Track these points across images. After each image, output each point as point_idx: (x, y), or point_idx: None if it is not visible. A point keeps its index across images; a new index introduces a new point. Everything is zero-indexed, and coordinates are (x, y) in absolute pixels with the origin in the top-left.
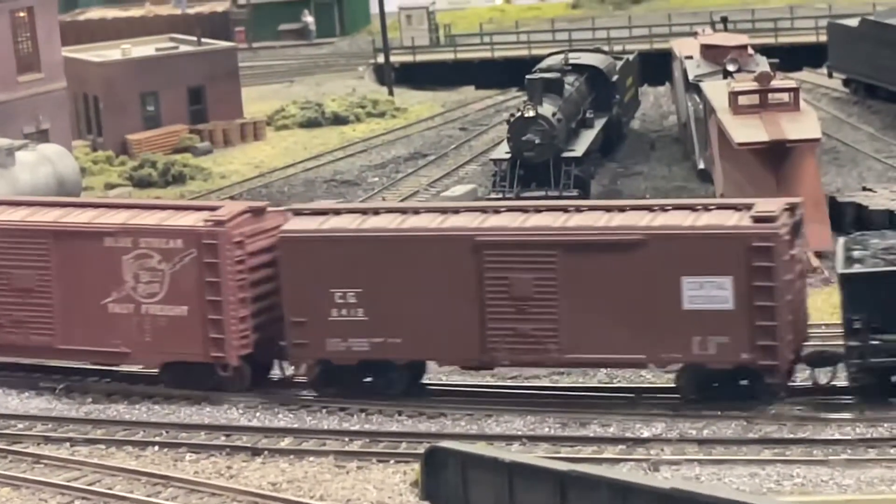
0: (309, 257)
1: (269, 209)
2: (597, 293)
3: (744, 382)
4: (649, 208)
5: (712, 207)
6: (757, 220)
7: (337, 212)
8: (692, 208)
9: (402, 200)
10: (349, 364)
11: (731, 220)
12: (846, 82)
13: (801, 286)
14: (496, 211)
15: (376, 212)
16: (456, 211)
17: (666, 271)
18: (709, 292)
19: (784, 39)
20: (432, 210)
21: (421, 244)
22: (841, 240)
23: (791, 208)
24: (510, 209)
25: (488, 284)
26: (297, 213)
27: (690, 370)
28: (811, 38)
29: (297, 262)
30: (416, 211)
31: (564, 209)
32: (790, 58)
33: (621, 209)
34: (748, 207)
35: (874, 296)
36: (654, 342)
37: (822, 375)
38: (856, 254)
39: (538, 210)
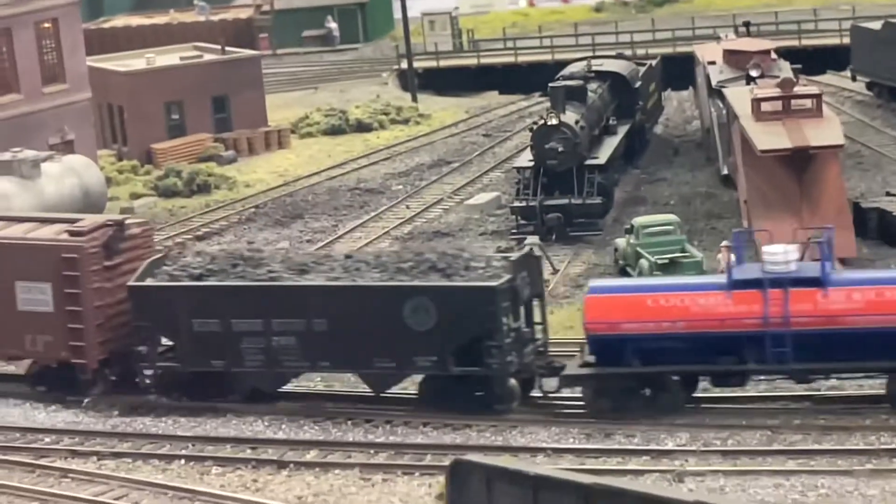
0: None
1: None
2: None
3: None
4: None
5: (51, 221)
6: (70, 234)
7: None
8: (38, 220)
9: (424, 209)
10: None
11: (52, 232)
12: (870, 86)
13: (119, 294)
14: None
15: None
16: None
17: (4, 276)
18: (35, 296)
19: (808, 42)
20: None
21: None
22: None
23: (116, 224)
24: None
25: None
26: None
27: None
28: (835, 41)
29: None
30: None
31: None
32: (814, 61)
33: None
34: (73, 222)
35: None
36: None
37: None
38: None
39: None
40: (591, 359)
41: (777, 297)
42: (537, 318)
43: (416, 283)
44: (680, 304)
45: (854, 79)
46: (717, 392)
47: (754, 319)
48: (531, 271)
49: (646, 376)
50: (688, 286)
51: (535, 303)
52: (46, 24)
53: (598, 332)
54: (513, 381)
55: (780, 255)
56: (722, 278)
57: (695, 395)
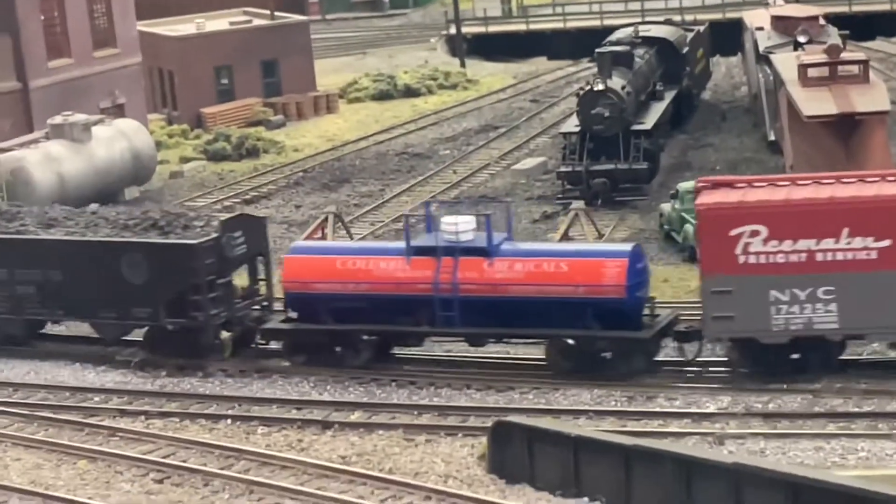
0: None
1: None
2: None
3: None
4: None
5: None
6: None
7: None
8: None
9: (471, 173)
10: None
11: None
12: None
13: None
14: None
15: None
16: None
17: None
18: None
19: (858, 8)
20: None
21: None
22: None
23: None
24: None
25: None
26: None
27: None
28: (885, 7)
29: None
30: None
31: None
32: (864, 27)
33: None
34: None
35: None
36: None
37: None
38: None
39: None
40: (294, 315)
41: (448, 265)
42: (262, 275)
43: (130, 238)
44: (364, 268)
45: None
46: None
47: (426, 284)
48: (250, 232)
49: (336, 333)
50: (373, 250)
51: (260, 260)
52: None
53: (293, 291)
54: (225, 334)
55: (454, 225)
56: (403, 245)
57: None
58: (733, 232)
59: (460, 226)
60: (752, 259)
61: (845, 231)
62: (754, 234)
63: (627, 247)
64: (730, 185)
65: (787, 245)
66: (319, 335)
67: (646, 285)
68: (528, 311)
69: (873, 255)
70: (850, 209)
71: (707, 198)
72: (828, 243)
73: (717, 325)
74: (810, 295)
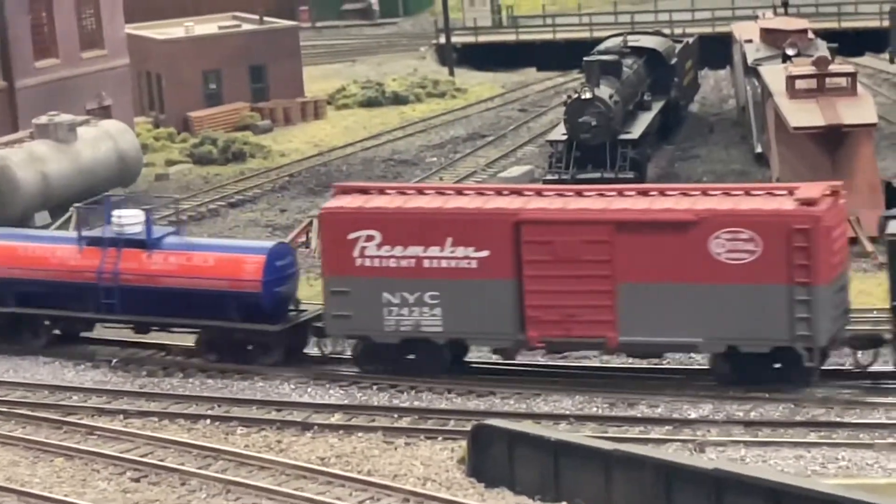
0: None
1: None
2: None
3: None
4: None
5: None
6: None
7: None
8: None
9: (458, 181)
10: None
11: None
12: None
13: None
14: None
15: None
16: None
17: None
18: None
19: (847, 24)
20: None
21: None
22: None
23: None
24: None
25: None
26: None
27: None
28: (875, 24)
29: None
30: None
31: None
32: (853, 43)
33: None
34: None
35: None
36: None
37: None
38: None
39: None
40: None
41: (112, 256)
42: None
43: None
44: (42, 255)
45: (892, 61)
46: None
47: (92, 273)
48: None
49: (19, 317)
50: (52, 239)
51: None
52: None
53: None
54: None
55: (122, 218)
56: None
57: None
58: (351, 235)
59: (126, 219)
60: (367, 262)
61: (449, 240)
62: (370, 238)
63: (268, 244)
64: (363, 191)
65: (398, 251)
66: (3, 318)
67: (289, 282)
68: (181, 302)
69: (474, 264)
70: (455, 220)
71: (332, 202)
72: (434, 251)
73: (336, 323)
74: (418, 299)
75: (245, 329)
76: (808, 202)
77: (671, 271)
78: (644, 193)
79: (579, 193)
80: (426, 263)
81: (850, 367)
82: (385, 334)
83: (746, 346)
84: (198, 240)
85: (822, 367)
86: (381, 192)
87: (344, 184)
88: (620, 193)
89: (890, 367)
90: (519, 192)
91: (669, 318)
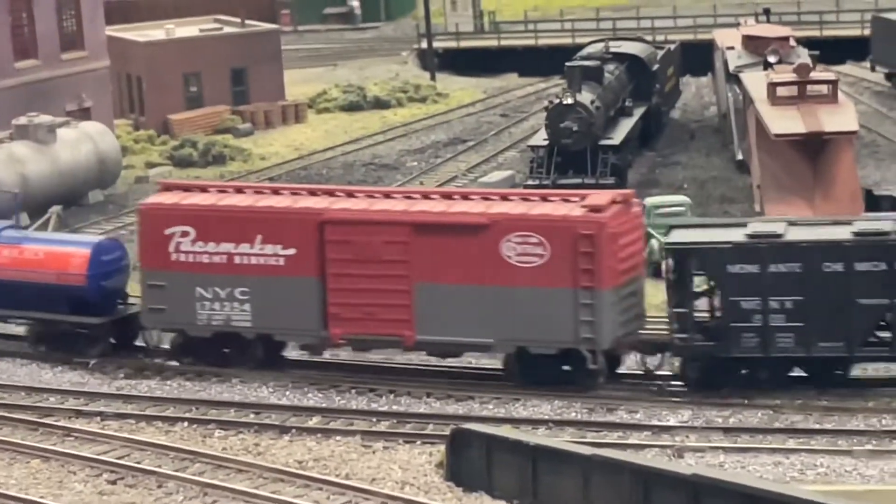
0: None
1: None
2: None
3: None
4: None
5: None
6: None
7: None
8: None
9: (438, 185)
10: None
11: None
12: (889, 76)
13: None
14: None
15: None
16: None
17: None
18: None
19: (829, 32)
20: None
21: None
22: None
23: None
24: None
25: None
26: None
27: None
28: (856, 32)
29: None
30: None
31: None
32: (834, 51)
33: None
34: None
35: None
36: None
37: None
38: None
39: None
40: None
41: None
42: None
43: None
44: None
45: (873, 69)
46: None
47: None
48: None
49: None
50: None
51: None
52: None
53: None
54: None
55: None
56: None
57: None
58: (168, 231)
59: None
60: (182, 257)
61: (259, 238)
62: (185, 234)
63: (95, 239)
64: (186, 189)
65: (211, 247)
66: None
67: (117, 276)
68: (14, 294)
69: (281, 261)
70: (264, 218)
71: (151, 199)
72: (244, 248)
73: (151, 316)
74: (229, 294)
75: (70, 321)
76: (595, 209)
77: (465, 273)
78: (448, 197)
79: (387, 196)
80: (237, 260)
81: (639, 370)
82: (198, 328)
83: (535, 347)
84: (32, 233)
85: (619, 371)
86: (203, 189)
87: (168, 181)
88: (425, 196)
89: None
90: (331, 193)
91: (464, 318)
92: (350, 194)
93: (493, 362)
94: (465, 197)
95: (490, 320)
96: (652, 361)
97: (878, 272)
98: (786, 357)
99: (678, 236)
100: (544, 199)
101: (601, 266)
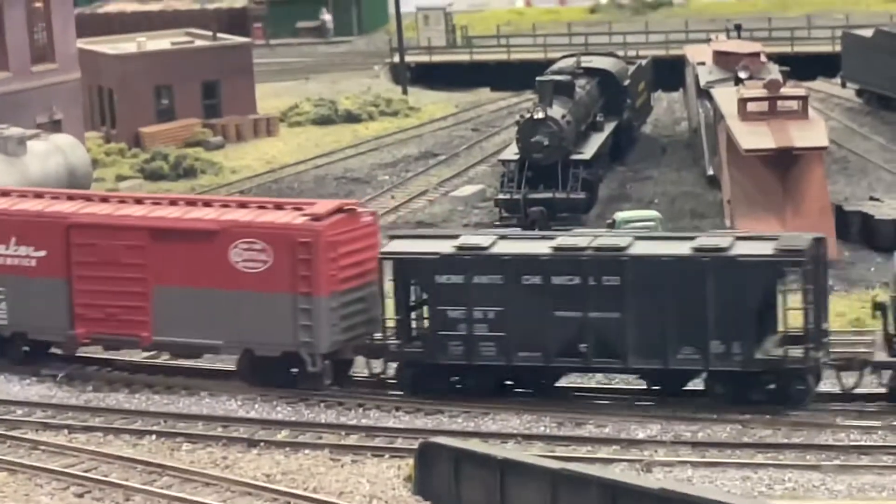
0: None
1: None
2: None
3: None
4: None
5: None
6: None
7: None
8: None
9: (409, 199)
10: None
11: None
12: (859, 92)
13: None
14: None
15: None
16: None
17: None
18: None
19: (800, 48)
20: None
21: None
22: None
23: None
24: None
25: None
26: None
27: None
28: (827, 48)
29: None
30: None
31: None
32: (805, 67)
33: None
34: None
35: None
36: None
37: None
38: None
39: None
40: None
41: None
42: None
43: None
44: None
45: (844, 85)
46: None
47: None
48: None
49: None
50: None
51: None
52: (38, 3)
53: None
54: None
55: None
56: None
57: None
58: None
59: None
60: None
61: (14, 239)
62: None
63: None
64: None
65: None
66: None
67: None
68: None
69: (34, 262)
70: (18, 221)
71: None
72: (1, 249)
73: None
74: None
75: None
76: (316, 217)
77: (198, 277)
78: (192, 203)
79: (138, 202)
80: None
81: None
82: None
83: (260, 349)
84: None
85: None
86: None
87: None
88: (171, 203)
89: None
90: (87, 198)
91: (197, 320)
92: (104, 200)
93: None
94: (207, 204)
95: (220, 323)
96: (377, 365)
97: (572, 286)
98: (490, 365)
99: (395, 246)
100: (278, 207)
101: (318, 273)
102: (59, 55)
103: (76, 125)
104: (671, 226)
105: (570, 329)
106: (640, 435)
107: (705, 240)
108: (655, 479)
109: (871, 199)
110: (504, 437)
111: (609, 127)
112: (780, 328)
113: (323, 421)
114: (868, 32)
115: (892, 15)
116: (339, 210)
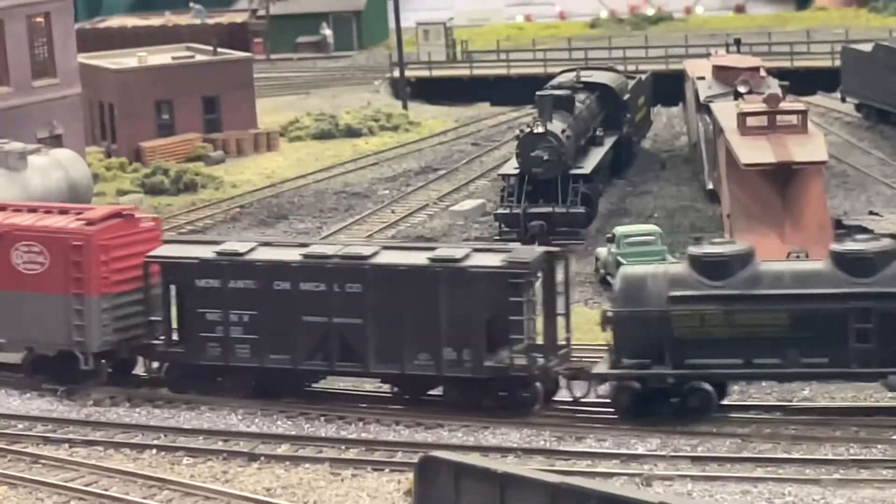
0: None
1: None
2: None
3: None
4: None
5: None
6: None
7: None
8: None
9: (409, 213)
10: None
11: None
12: (858, 107)
13: None
14: None
15: None
16: None
17: None
18: None
19: (799, 63)
20: None
21: None
22: None
23: None
24: None
25: None
26: None
27: None
28: (826, 63)
29: None
30: None
31: None
32: (805, 82)
33: None
34: None
35: None
36: None
37: None
38: None
39: None
40: None
41: None
42: None
43: None
44: None
45: (843, 100)
46: None
47: None
48: None
49: None
50: None
51: None
52: (39, 19)
53: None
54: None
55: None
56: None
57: None
58: None
59: None
60: None
61: None
62: None
63: None
64: None
65: None
66: None
67: None
68: None
69: None
70: None
71: None
72: None
73: None
74: None
75: None
76: (88, 222)
77: None
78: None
79: None
80: None
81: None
82: None
83: (40, 348)
84: None
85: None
86: None
87: None
88: None
89: None
90: None
91: None
92: None
93: None
94: (2, 208)
95: (3, 322)
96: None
97: (319, 292)
98: (246, 367)
99: (164, 250)
100: (62, 212)
101: (89, 275)
102: (59, 70)
103: (77, 140)
104: (670, 240)
105: (317, 333)
106: (640, 449)
107: (442, 251)
108: (655, 493)
109: (871, 213)
110: (504, 450)
111: (609, 141)
112: (525, 337)
113: (323, 435)
114: (867, 47)
115: (892, 30)
116: (115, 215)
